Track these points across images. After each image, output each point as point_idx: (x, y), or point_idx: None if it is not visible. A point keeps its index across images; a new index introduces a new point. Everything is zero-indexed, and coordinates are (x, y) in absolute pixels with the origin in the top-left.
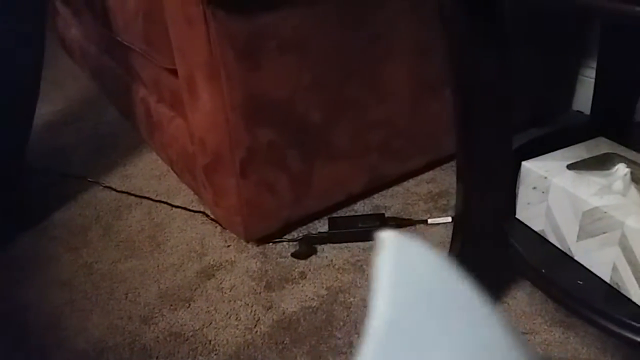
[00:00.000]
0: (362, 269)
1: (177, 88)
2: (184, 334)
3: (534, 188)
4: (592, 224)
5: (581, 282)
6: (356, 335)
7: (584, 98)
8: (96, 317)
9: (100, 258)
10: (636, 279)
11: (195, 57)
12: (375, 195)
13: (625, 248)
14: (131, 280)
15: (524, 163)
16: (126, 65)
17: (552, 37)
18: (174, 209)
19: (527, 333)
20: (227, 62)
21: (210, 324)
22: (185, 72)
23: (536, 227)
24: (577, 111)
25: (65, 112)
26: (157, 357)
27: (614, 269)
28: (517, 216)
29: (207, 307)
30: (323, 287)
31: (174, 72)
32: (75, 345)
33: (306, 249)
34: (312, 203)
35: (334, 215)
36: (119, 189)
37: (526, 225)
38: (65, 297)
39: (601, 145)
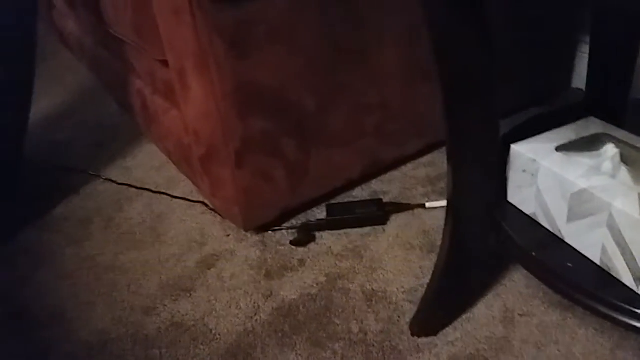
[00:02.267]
0: (361, 255)
1: (169, 79)
2: (186, 323)
3: (524, 171)
4: (580, 205)
5: (571, 265)
6: (355, 322)
7: (582, 76)
8: (100, 309)
9: (102, 250)
10: (625, 260)
11: (184, 48)
12: (373, 181)
13: (614, 230)
14: (133, 271)
15: (512, 146)
16: (121, 57)
17: (548, 13)
18: (173, 200)
19: (524, 315)
20: (215, 52)
21: (211, 313)
22: (176, 63)
23: (527, 210)
24: (577, 89)
25: (64, 105)
26: (159, 348)
27: (603, 250)
28: (508, 200)
29: (208, 297)
30: (322, 274)
31: (165, 63)
32: (79, 338)
33: (305, 236)
34: (310, 190)
35: (332, 202)
36: (119, 182)
37: (517, 209)
38: (69, 290)
39: (591, 126)
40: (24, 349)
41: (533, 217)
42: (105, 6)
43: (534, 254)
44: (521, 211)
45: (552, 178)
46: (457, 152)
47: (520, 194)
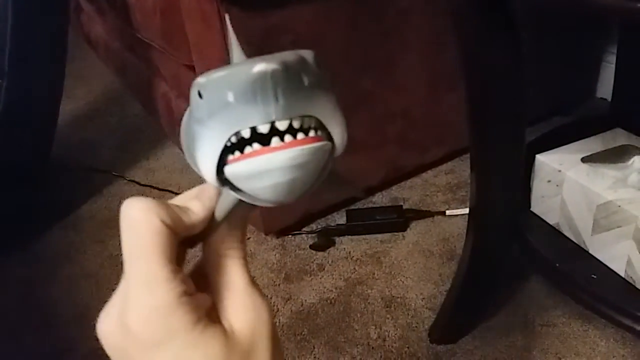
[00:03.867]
0: (380, 261)
1: None
2: None
3: (548, 181)
4: (606, 217)
5: (595, 276)
6: (373, 327)
7: (607, 85)
8: None
9: None
10: None
11: (211, 54)
12: (394, 187)
13: None
14: None
15: (537, 156)
16: (147, 61)
17: (572, 22)
18: None
19: (545, 325)
20: None
21: None
22: (203, 69)
23: (551, 221)
24: (602, 98)
25: (90, 107)
26: None
27: (629, 263)
28: (531, 209)
29: None
30: (341, 279)
31: (192, 68)
32: None
33: (324, 241)
34: (330, 195)
35: (352, 207)
36: (142, 183)
37: (541, 219)
38: (91, 289)
39: (618, 137)
40: (46, 346)
41: (557, 228)
42: (133, 11)
43: (557, 264)
44: (545, 221)
45: (578, 189)
46: (481, 160)
47: (544, 204)
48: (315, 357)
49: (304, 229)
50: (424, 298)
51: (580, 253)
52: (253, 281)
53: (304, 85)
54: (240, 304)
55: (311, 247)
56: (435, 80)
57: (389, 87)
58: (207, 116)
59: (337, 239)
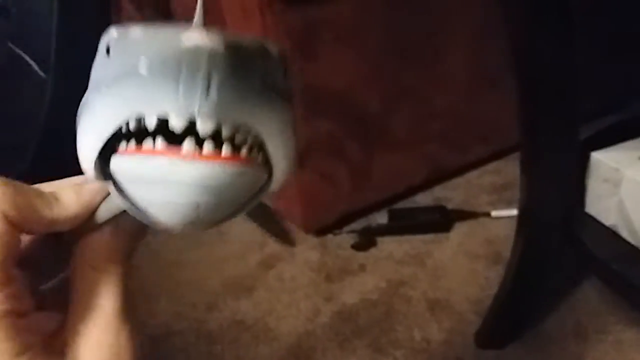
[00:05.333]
0: (423, 262)
1: None
2: (247, 322)
3: (605, 180)
4: None
5: None
6: (417, 329)
7: None
8: (164, 303)
9: (167, 247)
10: None
11: None
12: (436, 187)
13: None
14: (196, 268)
15: (593, 154)
16: None
17: (625, 11)
18: None
19: (599, 332)
20: None
21: (272, 313)
22: None
23: (607, 222)
24: None
25: None
26: (221, 344)
27: None
28: (586, 210)
29: (269, 297)
30: (383, 280)
31: None
32: (145, 329)
33: (366, 240)
34: (372, 194)
35: (395, 207)
36: None
37: (596, 220)
38: (135, 283)
39: None
40: None
41: (613, 229)
42: (174, 8)
43: (613, 267)
44: (600, 222)
45: (637, 189)
46: (532, 158)
47: (600, 204)
48: (357, 358)
49: (345, 228)
50: (469, 301)
51: (638, 255)
52: (127, 310)
53: (253, 85)
54: (97, 338)
55: (352, 246)
56: (479, 79)
57: (431, 82)
58: (107, 81)
59: (378, 239)
